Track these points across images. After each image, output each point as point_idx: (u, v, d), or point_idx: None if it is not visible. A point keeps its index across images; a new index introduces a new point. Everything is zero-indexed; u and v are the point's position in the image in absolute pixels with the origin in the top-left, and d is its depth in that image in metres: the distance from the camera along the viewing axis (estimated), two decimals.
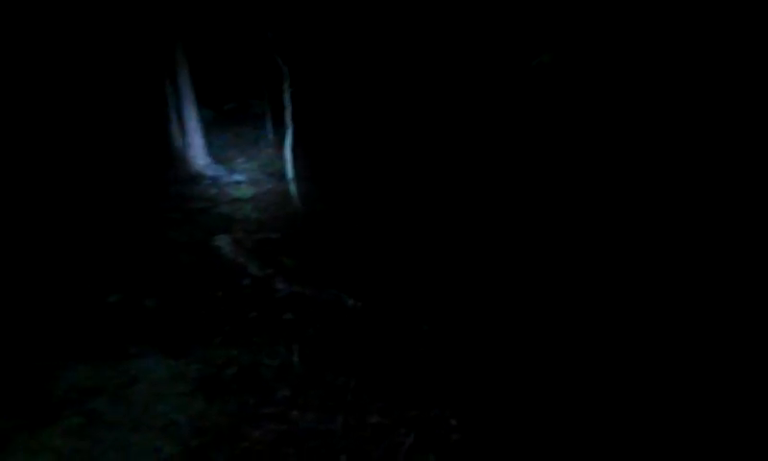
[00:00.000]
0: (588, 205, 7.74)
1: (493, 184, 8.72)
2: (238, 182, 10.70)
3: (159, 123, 12.35)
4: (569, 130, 8.90)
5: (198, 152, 11.29)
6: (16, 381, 4.84)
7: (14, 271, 6.98)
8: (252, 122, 13.49)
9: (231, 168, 11.42)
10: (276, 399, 4.84)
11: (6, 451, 4.08)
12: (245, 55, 12.59)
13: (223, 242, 8.01)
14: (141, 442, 4.28)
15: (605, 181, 7.98)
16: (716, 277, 6.09)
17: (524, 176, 8.54)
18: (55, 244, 7.81)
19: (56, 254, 7.53)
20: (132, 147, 12.01)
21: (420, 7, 10.96)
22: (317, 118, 11.83)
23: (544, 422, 4.52)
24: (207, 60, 13.28)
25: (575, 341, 5.43)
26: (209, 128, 12.16)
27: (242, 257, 7.58)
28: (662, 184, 7.66)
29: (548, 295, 6.18)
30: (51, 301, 6.33)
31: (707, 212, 7.04)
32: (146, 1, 10.82)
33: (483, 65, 9.79)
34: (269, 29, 9.47)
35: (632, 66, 8.65)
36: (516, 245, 7.28)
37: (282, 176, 9.76)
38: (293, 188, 9.32)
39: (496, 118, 9.43)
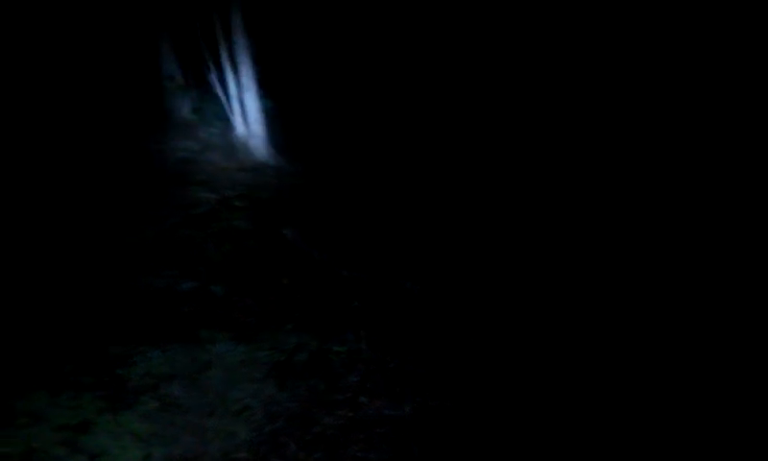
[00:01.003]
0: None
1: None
2: None
3: (222, 113, 12.61)
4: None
5: (260, 141, 11.42)
6: (96, 367, 5.00)
7: (93, 258, 7.23)
8: None
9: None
10: (346, 385, 4.87)
11: (91, 433, 4.23)
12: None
13: (288, 230, 8.10)
14: (216, 426, 4.37)
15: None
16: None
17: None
18: (129, 231, 8.07)
19: (129, 242, 7.77)
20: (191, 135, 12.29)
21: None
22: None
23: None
24: None
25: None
26: None
27: (305, 244, 7.64)
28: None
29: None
30: (124, 288, 6.53)
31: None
32: None
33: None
34: None
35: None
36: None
37: None
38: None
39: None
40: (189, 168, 10.93)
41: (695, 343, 5.18)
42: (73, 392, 4.67)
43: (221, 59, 11.76)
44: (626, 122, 8.79)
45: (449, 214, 8.20)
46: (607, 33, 9.23)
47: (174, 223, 8.42)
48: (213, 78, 12.50)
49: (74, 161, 9.72)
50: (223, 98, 12.30)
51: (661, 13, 8.80)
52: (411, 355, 5.20)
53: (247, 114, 11.54)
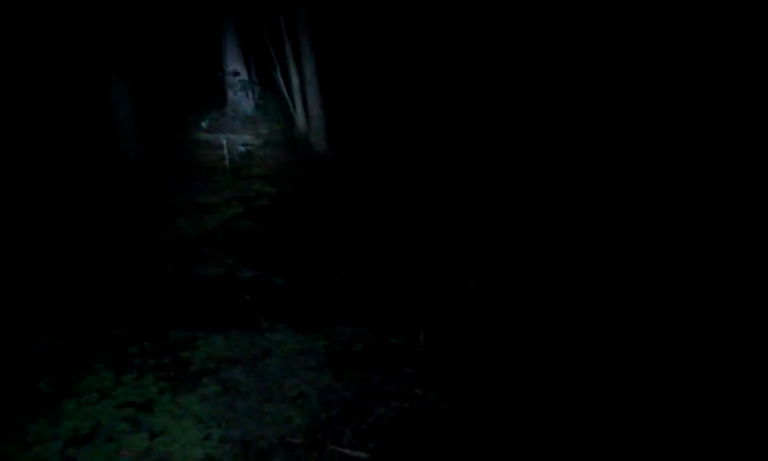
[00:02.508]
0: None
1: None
2: None
3: (283, 109, 12.84)
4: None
5: (320, 137, 11.56)
6: (159, 350, 5.16)
7: (157, 246, 7.46)
8: None
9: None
10: (401, 377, 4.87)
11: (153, 413, 4.36)
12: None
13: (345, 224, 8.18)
14: (273, 411, 4.44)
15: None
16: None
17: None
18: (193, 222, 8.30)
19: (192, 233, 7.99)
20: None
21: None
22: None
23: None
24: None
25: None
26: None
27: (364, 239, 7.70)
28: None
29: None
30: (187, 275, 6.72)
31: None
32: None
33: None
34: None
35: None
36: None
37: None
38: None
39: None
40: (250, 162, 11.16)
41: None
42: (137, 372, 4.82)
43: (285, 57, 11.99)
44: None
45: (501, 210, 8.13)
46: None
47: (236, 214, 8.61)
48: (276, 75, 12.75)
49: (144, 146, 10.03)
50: (285, 95, 12.53)
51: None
52: (468, 351, 5.18)
53: (308, 111, 11.70)
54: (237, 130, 12.62)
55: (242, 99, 13.57)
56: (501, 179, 9.09)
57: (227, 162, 10.81)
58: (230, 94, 13.54)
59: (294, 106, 12.13)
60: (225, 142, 11.38)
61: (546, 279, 6.41)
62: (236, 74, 13.33)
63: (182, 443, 4.08)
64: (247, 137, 12.26)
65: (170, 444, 4.07)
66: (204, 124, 12.37)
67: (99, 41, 9.13)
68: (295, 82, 11.94)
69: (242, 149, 11.48)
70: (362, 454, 4.02)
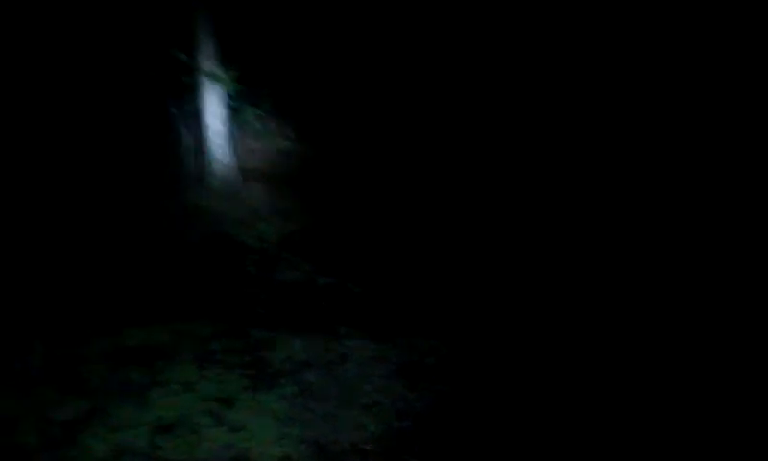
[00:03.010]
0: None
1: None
2: None
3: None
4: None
5: None
6: (242, 349, 5.35)
7: (235, 254, 7.73)
8: None
9: None
10: (472, 390, 4.88)
11: (233, 409, 4.54)
12: None
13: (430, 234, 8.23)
14: (348, 417, 4.54)
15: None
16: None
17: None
18: (271, 227, 8.55)
19: (269, 239, 8.23)
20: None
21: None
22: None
23: None
24: None
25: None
26: None
27: (443, 249, 7.73)
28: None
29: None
30: (267, 280, 6.94)
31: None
32: None
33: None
34: None
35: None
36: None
37: None
38: None
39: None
40: (332, 168, 11.35)
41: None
42: (220, 368, 5.03)
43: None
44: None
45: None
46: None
47: (316, 219, 8.80)
48: None
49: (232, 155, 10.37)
50: None
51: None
52: (547, 370, 5.13)
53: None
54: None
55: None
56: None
57: (310, 169, 11.05)
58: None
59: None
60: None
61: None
62: None
63: (260, 440, 4.23)
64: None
65: (249, 440, 4.23)
66: (290, 132, 12.69)
67: (194, 42, 9.48)
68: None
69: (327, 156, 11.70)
70: None
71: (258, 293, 6.60)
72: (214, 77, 9.44)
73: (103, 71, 10.26)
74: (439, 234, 8.23)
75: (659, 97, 8.57)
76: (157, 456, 4.06)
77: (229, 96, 9.91)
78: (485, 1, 10.68)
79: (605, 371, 5.09)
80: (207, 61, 9.47)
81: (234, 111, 10.72)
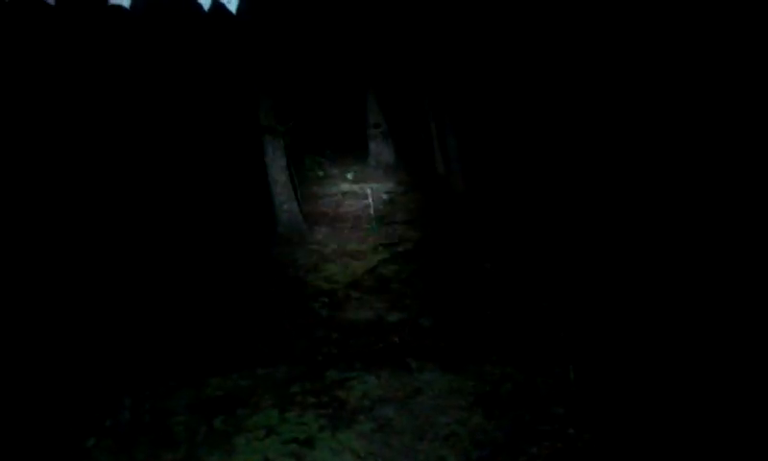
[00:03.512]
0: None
1: None
2: None
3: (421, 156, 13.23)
4: None
5: (458, 178, 11.74)
6: (319, 389, 5.48)
7: (302, 295, 7.93)
8: None
9: None
10: (552, 416, 4.84)
11: (315, 448, 4.65)
12: None
13: (487, 262, 8.24)
14: (426, 450, 4.57)
15: None
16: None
17: None
18: (341, 269, 8.74)
19: (339, 279, 8.41)
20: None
21: None
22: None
23: None
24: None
25: None
26: None
27: (506, 277, 7.72)
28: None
29: None
30: (338, 319, 7.10)
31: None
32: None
33: None
34: None
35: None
36: None
37: None
38: None
39: None
40: (394, 208, 11.54)
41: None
42: (299, 410, 5.16)
43: (423, 109, 12.43)
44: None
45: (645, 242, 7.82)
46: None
47: (382, 259, 8.95)
48: (414, 125, 13.22)
49: (296, 199, 10.71)
50: (424, 144, 12.95)
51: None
52: (623, 389, 5.04)
53: (446, 157, 11.98)
54: (380, 178, 13.13)
55: (383, 149, 14.12)
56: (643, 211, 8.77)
57: (371, 210, 11.27)
58: (372, 146, 14.14)
59: (433, 152, 12.48)
60: (369, 191, 11.88)
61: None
62: (377, 126, 13.93)
63: None
64: (389, 185, 12.72)
65: None
66: (349, 175, 13.02)
67: (254, 101, 9.94)
68: (434, 130, 12.31)
69: (385, 197, 11.92)
70: None
71: (330, 334, 6.75)
72: (273, 130, 9.81)
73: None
74: (503, 263, 8.26)
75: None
76: None
77: (289, 146, 10.26)
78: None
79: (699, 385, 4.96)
80: (266, 117, 9.86)
81: (295, 161, 11.11)
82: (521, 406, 4.99)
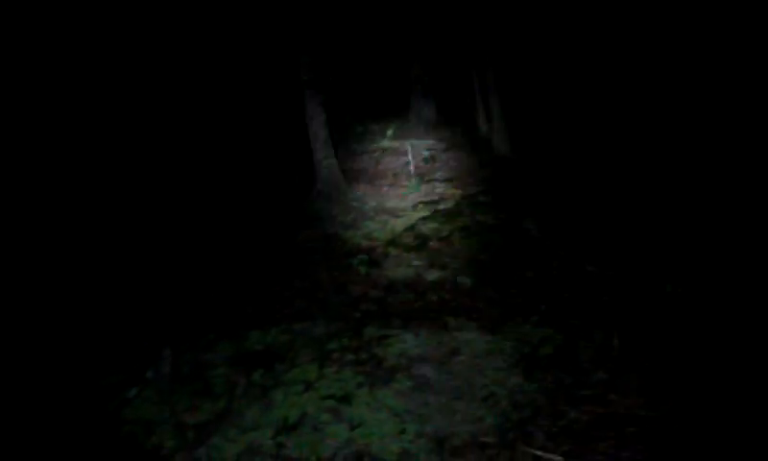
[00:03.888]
0: None
1: None
2: None
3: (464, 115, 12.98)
4: None
5: (501, 138, 11.52)
6: (357, 346, 5.47)
7: (340, 251, 7.90)
8: None
9: None
10: (593, 381, 4.73)
11: (352, 405, 4.64)
12: None
13: (530, 223, 8.09)
14: (465, 410, 4.53)
15: None
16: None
17: None
18: (378, 225, 8.69)
19: (377, 236, 8.35)
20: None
21: None
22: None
23: None
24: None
25: None
26: None
27: (548, 238, 7.57)
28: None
29: None
30: (376, 276, 7.06)
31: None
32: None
33: None
34: None
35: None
36: None
37: None
38: None
39: None
40: (434, 166, 11.40)
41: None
42: (337, 367, 5.16)
43: (467, 65, 12.15)
44: None
45: (694, 206, 7.55)
46: None
47: (421, 217, 8.86)
48: (456, 82, 12.95)
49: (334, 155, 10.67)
50: (466, 101, 12.68)
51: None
52: (666, 356, 4.91)
53: (490, 115, 11.73)
54: (421, 135, 12.96)
55: (424, 105, 13.90)
56: (691, 172, 8.47)
57: (411, 167, 11.14)
58: (413, 101, 13.93)
59: (476, 110, 12.23)
60: (409, 148, 11.74)
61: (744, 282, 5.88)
62: (419, 80, 13.70)
63: (380, 435, 4.30)
64: (430, 142, 12.55)
65: (368, 436, 4.31)
66: (389, 132, 12.87)
67: (295, 56, 9.83)
68: (477, 87, 12.05)
69: (426, 153, 11.77)
70: (556, 457, 3.98)
71: (368, 291, 6.72)
72: (314, 84, 9.70)
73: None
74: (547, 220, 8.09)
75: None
76: (283, 455, 4.21)
77: (329, 102, 10.15)
78: None
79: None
80: (307, 71, 9.75)
81: (336, 116, 11.01)
82: (562, 369, 4.89)
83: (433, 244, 7.95)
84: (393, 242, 8.10)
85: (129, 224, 8.42)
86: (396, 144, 12.50)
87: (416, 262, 7.42)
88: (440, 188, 10.17)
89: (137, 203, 8.86)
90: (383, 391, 4.80)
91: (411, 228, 8.50)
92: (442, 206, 9.26)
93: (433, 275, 7.03)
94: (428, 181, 10.54)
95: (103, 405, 4.88)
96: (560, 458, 3.96)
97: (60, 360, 5.55)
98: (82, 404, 4.90)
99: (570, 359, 5.02)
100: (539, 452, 4.03)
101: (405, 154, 11.69)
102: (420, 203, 9.52)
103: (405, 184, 10.49)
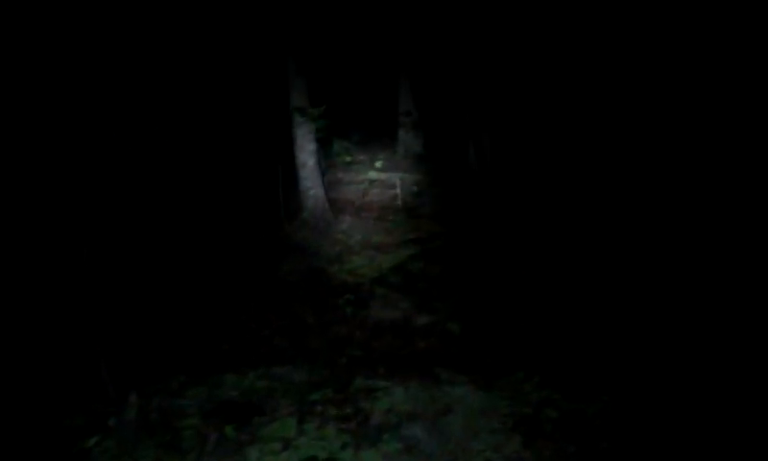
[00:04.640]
0: None
1: None
2: None
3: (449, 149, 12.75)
4: None
5: (489, 174, 11.19)
6: (342, 399, 5.05)
7: (325, 292, 7.50)
8: None
9: None
10: (599, 450, 4.37)
11: None
12: None
13: (527, 269, 7.76)
14: None
15: None
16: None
17: None
18: (365, 262, 8.30)
19: (363, 272, 7.97)
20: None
21: None
22: None
23: None
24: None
25: None
26: None
27: (541, 278, 7.24)
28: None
29: None
30: (362, 319, 6.67)
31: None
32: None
33: None
34: None
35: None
36: None
37: None
38: None
39: None
40: (423, 201, 11.07)
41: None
42: (319, 421, 4.73)
43: (455, 101, 11.90)
44: None
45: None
46: None
47: (410, 255, 8.49)
48: (445, 117, 12.73)
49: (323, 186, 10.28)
50: (456, 135, 12.43)
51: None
52: (683, 423, 4.55)
53: (478, 150, 11.47)
54: (409, 168, 12.64)
55: (413, 139, 13.64)
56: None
57: (399, 201, 10.81)
58: (402, 134, 13.66)
59: (466, 145, 11.97)
60: (398, 181, 11.41)
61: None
62: (408, 114, 13.44)
63: None
64: (418, 176, 12.23)
65: None
66: (377, 163, 12.54)
67: (285, 85, 9.50)
68: (467, 121, 11.82)
69: (414, 188, 11.45)
70: None
71: (354, 332, 6.33)
72: (304, 112, 9.37)
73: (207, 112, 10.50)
74: (538, 267, 7.76)
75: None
76: None
77: (318, 130, 9.81)
78: None
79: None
80: (298, 98, 9.43)
81: (323, 145, 10.66)
82: (565, 437, 4.51)
83: (421, 285, 7.58)
84: (380, 280, 7.72)
85: (98, 247, 7.90)
86: (383, 176, 12.14)
87: (403, 304, 7.04)
88: (428, 224, 9.82)
89: (111, 223, 8.34)
90: (369, 452, 4.38)
91: (399, 267, 8.12)
92: (430, 245, 8.89)
93: (422, 319, 6.65)
94: (416, 217, 10.19)
95: (64, 450, 4.40)
96: None
97: (24, 393, 5.05)
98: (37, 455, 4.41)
99: (573, 424, 4.64)
100: None
101: (393, 186, 11.36)
102: (409, 240, 9.15)
103: (393, 219, 10.13)
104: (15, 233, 6.39)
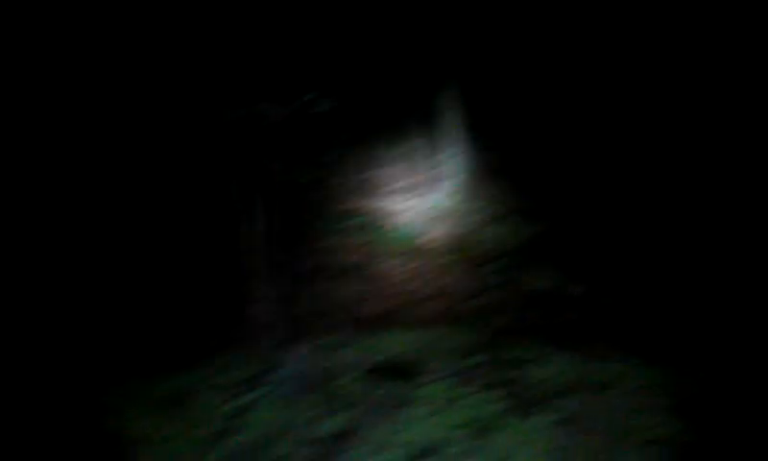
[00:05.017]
0: None
1: None
2: None
3: None
4: None
5: None
6: (495, 368, 5.05)
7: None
8: None
9: None
10: None
11: (495, 432, 4.27)
12: None
13: None
14: (620, 456, 4.02)
15: None
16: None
17: None
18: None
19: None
20: None
21: None
22: None
23: None
24: None
25: None
26: None
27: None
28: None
29: None
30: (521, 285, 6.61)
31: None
32: None
33: None
34: None
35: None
36: None
37: None
38: None
39: None
40: None
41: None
42: (476, 386, 4.76)
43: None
44: None
45: None
46: None
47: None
48: None
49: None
50: None
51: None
52: None
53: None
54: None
55: None
56: None
57: None
58: None
59: None
60: None
61: None
62: None
63: None
64: None
65: None
66: None
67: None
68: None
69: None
70: None
71: (506, 302, 6.28)
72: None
73: None
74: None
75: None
76: None
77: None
78: None
79: None
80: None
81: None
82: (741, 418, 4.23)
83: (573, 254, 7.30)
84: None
85: None
86: None
87: (555, 273, 6.80)
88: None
89: None
90: (524, 423, 4.34)
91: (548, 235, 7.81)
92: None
93: (575, 289, 6.45)
94: None
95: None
96: None
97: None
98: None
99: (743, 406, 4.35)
100: None
101: None
102: None
103: None
104: None
